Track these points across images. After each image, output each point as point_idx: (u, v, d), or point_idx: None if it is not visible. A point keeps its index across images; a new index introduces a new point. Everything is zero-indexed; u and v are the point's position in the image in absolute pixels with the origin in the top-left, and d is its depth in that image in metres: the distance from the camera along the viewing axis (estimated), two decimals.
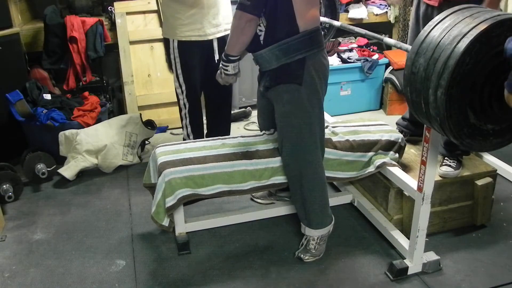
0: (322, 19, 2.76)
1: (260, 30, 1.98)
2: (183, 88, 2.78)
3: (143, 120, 3.35)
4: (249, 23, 1.92)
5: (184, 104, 2.81)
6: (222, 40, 2.66)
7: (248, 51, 2.11)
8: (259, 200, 2.71)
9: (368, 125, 2.57)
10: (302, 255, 2.25)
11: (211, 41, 2.70)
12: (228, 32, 2.27)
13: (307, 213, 2.22)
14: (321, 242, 2.25)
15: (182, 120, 2.88)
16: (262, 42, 1.99)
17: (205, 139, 2.48)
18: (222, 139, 2.42)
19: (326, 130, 2.51)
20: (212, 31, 2.67)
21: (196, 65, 2.75)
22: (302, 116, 2.06)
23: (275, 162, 2.26)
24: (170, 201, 2.15)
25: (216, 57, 2.71)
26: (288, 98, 2.03)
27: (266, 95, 2.15)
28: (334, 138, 2.38)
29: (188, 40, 2.65)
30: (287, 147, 2.15)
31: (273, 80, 2.06)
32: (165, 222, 2.21)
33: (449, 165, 2.40)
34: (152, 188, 2.36)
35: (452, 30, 1.50)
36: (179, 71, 2.74)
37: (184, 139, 2.90)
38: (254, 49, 2.04)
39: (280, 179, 2.27)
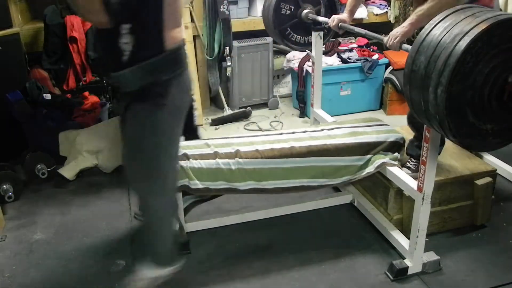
0: (322, 19, 2.76)
1: (124, 51, 1.70)
2: None
3: None
4: (97, 24, 1.67)
5: None
6: None
7: (109, 70, 1.85)
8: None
9: (365, 126, 2.57)
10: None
11: None
12: None
13: (151, 245, 1.99)
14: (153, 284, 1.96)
15: None
16: (125, 61, 1.71)
17: (205, 138, 2.48)
18: (225, 138, 2.43)
19: (322, 133, 2.50)
20: None
21: None
22: (153, 143, 1.83)
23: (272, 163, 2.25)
24: None
25: None
26: (141, 122, 1.80)
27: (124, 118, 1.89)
28: (329, 141, 2.37)
29: None
30: (133, 172, 1.90)
31: (133, 100, 1.81)
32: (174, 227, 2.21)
33: (409, 167, 2.43)
34: None
35: (453, 29, 1.50)
36: None
37: None
38: (115, 69, 1.77)
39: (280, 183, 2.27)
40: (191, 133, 2.51)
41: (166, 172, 1.89)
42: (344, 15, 2.61)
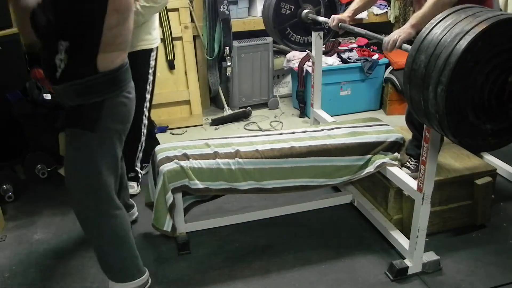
0: (322, 19, 2.76)
1: (59, 67, 1.70)
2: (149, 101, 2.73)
3: None
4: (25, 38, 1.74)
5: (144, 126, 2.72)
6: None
7: (49, 81, 1.86)
8: None
9: (365, 126, 2.56)
10: None
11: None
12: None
13: (108, 264, 1.97)
14: None
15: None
16: (58, 77, 1.72)
17: (205, 138, 2.48)
18: (225, 138, 2.43)
19: (321, 133, 2.49)
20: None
21: None
22: (90, 166, 1.81)
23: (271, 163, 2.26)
24: (169, 199, 2.16)
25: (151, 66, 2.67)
26: (76, 145, 1.81)
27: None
28: (329, 141, 2.37)
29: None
30: (75, 195, 1.88)
31: (67, 120, 1.83)
32: (167, 227, 2.20)
33: (408, 167, 2.44)
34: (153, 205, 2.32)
35: (454, 28, 1.50)
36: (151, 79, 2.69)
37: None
38: (52, 81, 1.79)
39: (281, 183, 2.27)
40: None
41: (104, 195, 1.86)
42: (344, 15, 2.60)
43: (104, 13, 1.61)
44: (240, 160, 2.23)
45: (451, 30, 1.50)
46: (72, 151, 1.84)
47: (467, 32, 1.45)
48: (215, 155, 2.25)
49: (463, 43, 1.45)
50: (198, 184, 2.19)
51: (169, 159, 2.22)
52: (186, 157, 2.23)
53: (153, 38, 2.62)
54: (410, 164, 2.46)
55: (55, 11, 1.63)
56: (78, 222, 1.92)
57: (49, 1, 1.64)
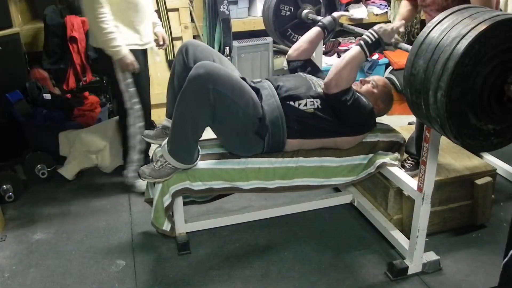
0: (322, 18, 2.75)
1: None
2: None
3: None
4: (333, 87, 2.15)
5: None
6: None
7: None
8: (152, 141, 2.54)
9: None
10: (141, 171, 2.16)
11: None
12: None
13: (173, 138, 2.13)
14: (168, 169, 2.15)
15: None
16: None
17: (206, 139, 2.48)
18: None
19: None
20: None
21: None
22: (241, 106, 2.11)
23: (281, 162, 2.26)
24: (166, 200, 2.16)
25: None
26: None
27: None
28: None
29: None
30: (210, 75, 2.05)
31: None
32: (166, 227, 2.21)
33: (403, 166, 2.45)
34: (152, 202, 2.32)
35: (451, 31, 1.49)
36: None
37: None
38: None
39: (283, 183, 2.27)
40: None
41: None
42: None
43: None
44: (243, 159, 2.23)
45: (448, 34, 1.49)
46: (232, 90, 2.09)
47: (464, 35, 1.44)
48: (218, 155, 2.25)
49: (460, 47, 1.44)
50: (200, 185, 2.18)
51: None
52: None
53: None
54: (406, 162, 2.46)
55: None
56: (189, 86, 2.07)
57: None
